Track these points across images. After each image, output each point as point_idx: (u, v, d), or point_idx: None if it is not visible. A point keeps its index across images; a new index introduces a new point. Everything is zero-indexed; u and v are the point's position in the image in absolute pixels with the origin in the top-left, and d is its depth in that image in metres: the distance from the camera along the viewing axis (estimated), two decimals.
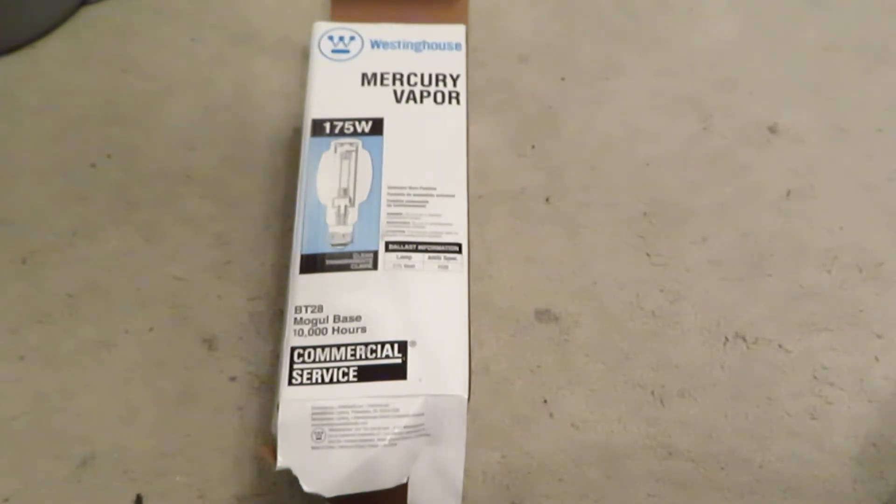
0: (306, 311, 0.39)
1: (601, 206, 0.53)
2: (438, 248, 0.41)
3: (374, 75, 0.46)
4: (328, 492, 0.36)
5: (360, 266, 0.40)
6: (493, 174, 0.54)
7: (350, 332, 0.39)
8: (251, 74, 0.57)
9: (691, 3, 0.61)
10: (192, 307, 0.49)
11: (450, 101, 0.45)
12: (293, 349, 0.38)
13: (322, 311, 0.39)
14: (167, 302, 0.49)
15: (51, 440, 0.45)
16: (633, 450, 0.45)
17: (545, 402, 0.47)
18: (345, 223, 0.42)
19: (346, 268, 0.40)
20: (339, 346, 0.38)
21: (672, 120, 0.56)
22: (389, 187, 0.43)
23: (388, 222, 0.42)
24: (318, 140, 0.44)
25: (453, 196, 0.43)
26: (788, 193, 0.54)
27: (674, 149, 0.55)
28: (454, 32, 0.48)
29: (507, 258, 0.51)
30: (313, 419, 0.37)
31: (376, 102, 0.45)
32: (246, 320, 0.48)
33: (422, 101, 0.45)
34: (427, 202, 0.42)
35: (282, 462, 0.36)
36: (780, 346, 0.48)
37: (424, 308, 0.40)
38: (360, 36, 0.47)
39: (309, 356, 0.38)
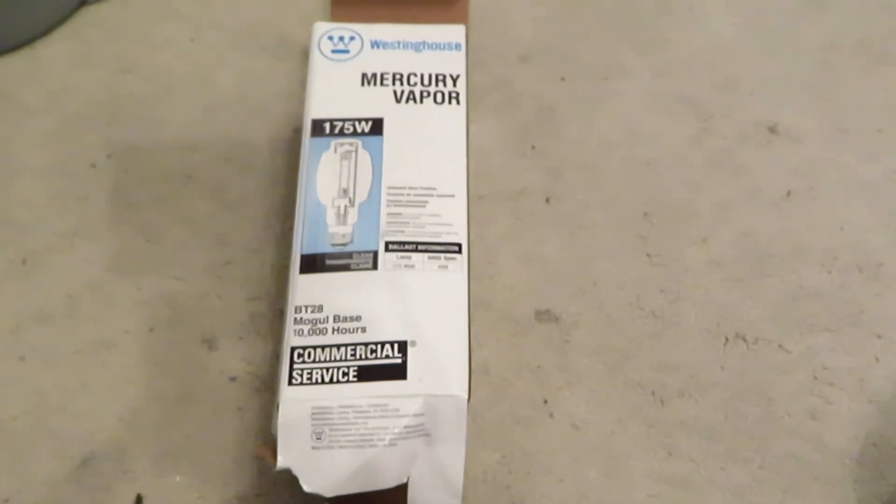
0: (306, 311, 0.39)
1: (601, 206, 0.53)
2: (438, 248, 0.41)
3: (374, 75, 0.46)
4: (328, 492, 0.36)
5: (360, 266, 0.40)
6: (493, 174, 0.54)
7: (350, 332, 0.39)
8: (251, 74, 0.57)
9: (691, 3, 0.61)
10: (192, 307, 0.49)
11: (450, 101, 0.45)
12: (293, 349, 0.38)
13: (322, 311, 0.39)
14: (167, 302, 0.49)
15: (51, 440, 0.45)
16: (633, 450, 0.45)
17: (545, 402, 0.47)
18: (345, 223, 0.42)
19: (345, 268, 0.40)
20: (339, 346, 0.38)
21: (672, 120, 0.56)
22: (389, 187, 0.43)
23: (387, 222, 0.41)
24: (318, 140, 0.44)
25: (453, 196, 0.43)
26: (788, 193, 0.54)
27: (674, 149, 0.55)
28: (454, 32, 0.48)
29: (507, 258, 0.51)
30: (313, 419, 0.37)
31: (376, 102, 0.45)
32: (246, 320, 0.48)
33: (422, 102, 0.45)
34: (427, 202, 0.42)
35: (282, 462, 0.36)
36: (780, 346, 0.48)
37: (424, 308, 0.39)
38: (359, 36, 0.47)
39: (309, 356, 0.38)
